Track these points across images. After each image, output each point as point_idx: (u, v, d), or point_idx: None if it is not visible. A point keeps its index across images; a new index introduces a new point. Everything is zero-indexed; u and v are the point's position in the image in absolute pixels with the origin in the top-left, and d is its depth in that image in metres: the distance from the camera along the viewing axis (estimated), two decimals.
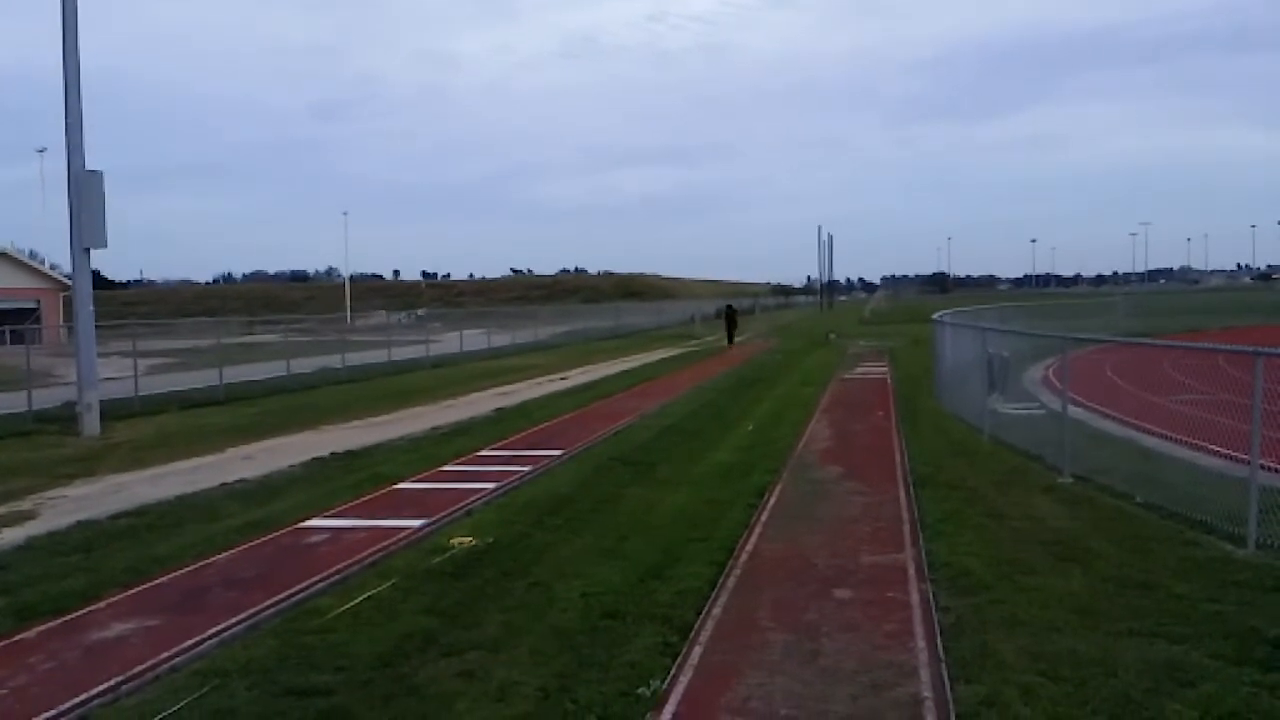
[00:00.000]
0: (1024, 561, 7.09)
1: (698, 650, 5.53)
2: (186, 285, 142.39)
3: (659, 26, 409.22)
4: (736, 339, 39.05)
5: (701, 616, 6.08)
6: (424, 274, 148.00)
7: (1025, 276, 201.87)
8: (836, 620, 5.99)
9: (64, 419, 16.36)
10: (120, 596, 6.82)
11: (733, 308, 42.57)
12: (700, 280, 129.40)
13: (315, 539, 8.38)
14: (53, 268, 58.45)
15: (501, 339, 37.77)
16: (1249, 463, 7.32)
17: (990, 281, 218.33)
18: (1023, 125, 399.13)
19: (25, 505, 10.24)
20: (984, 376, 13.55)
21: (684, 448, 12.77)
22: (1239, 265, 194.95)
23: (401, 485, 10.65)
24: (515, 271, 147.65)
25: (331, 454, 12.93)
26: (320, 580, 7.06)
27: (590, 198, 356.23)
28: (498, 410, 17.69)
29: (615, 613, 6.14)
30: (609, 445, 13.21)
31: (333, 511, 9.39)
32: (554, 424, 15.57)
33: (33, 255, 61.70)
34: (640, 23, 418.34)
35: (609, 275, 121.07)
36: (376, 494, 10.22)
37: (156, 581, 7.17)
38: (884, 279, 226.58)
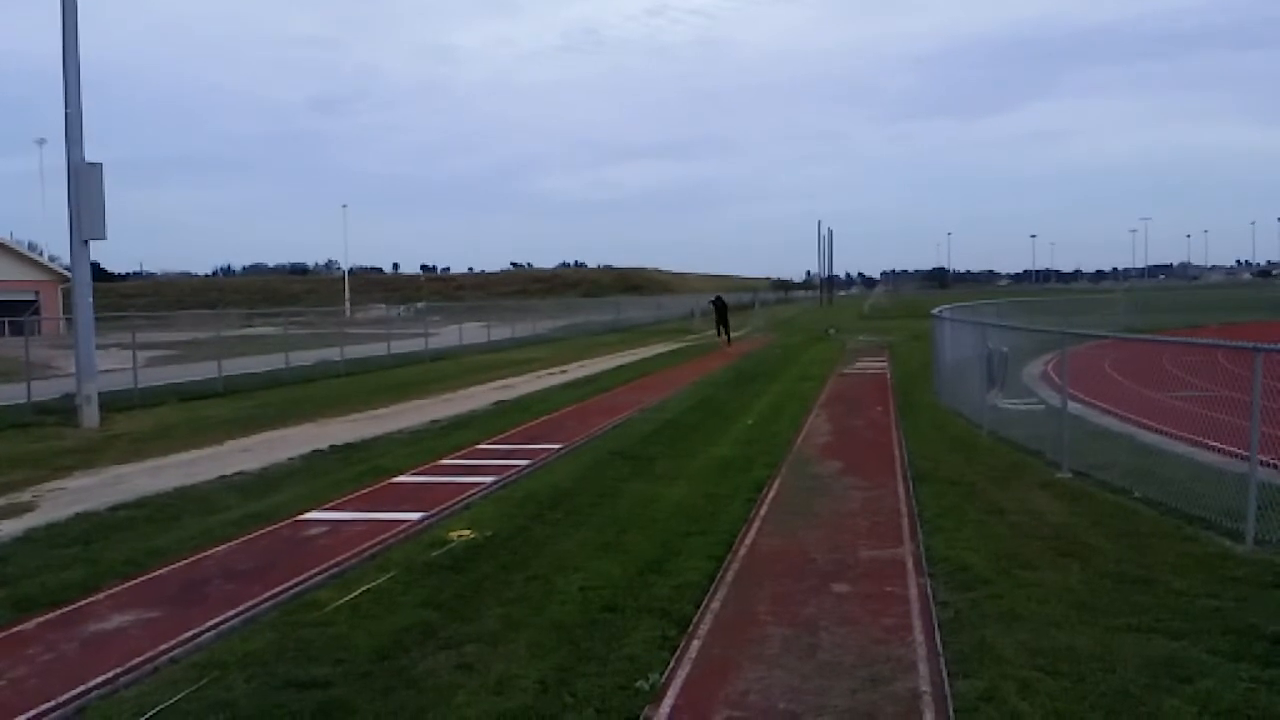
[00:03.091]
0: (1023, 556, 7.09)
1: (696, 644, 5.53)
2: (186, 277, 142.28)
3: (659, 20, 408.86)
4: (733, 335, 37.15)
5: (700, 610, 6.08)
6: (423, 267, 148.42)
7: (1025, 272, 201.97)
8: (835, 615, 5.99)
9: (63, 411, 16.35)
10: (119, 588, 6.82)
11: (722, 300, 39.67)
12: (700, 275, 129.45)
13: (314, 532, 8.38)
14: (52, 259, 58.52)
15: (501, 333, 37.73)
16: (1248, 459, 7.33)
17: (990, 277, 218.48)
18: (1023, 121, 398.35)
19: (24, 497, 10.24)
20: (983, 372, 13.54)
21: (683, 442, 12.77)
22: (1239, 261, 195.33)
23: (400, 478, 10.65)
24: (515, 265, 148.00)
25: (330, 447, 12.93)
26: (319, 573, 7.06)
27: (590, 191, 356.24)
28: (497, 404, 17.69)
29: (614, 606, 6.14)
30: (608, 439, 13.21)
31: (331, 504, 9.39)
32: (553, 418, 15.57)
33: (32, 247, 61.97)
34: (640, 16, 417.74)
35: (609, 269, 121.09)
36: (375, 487, 10.22)
37: (155, 573, 7.17)
38: (884, 274, 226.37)
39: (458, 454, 12.19)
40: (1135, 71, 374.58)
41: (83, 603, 6.51)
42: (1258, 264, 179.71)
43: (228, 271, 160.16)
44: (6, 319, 26.07)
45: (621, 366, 26.13)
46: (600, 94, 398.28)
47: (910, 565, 7.02)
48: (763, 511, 8.74)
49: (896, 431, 13.38)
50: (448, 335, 35.14)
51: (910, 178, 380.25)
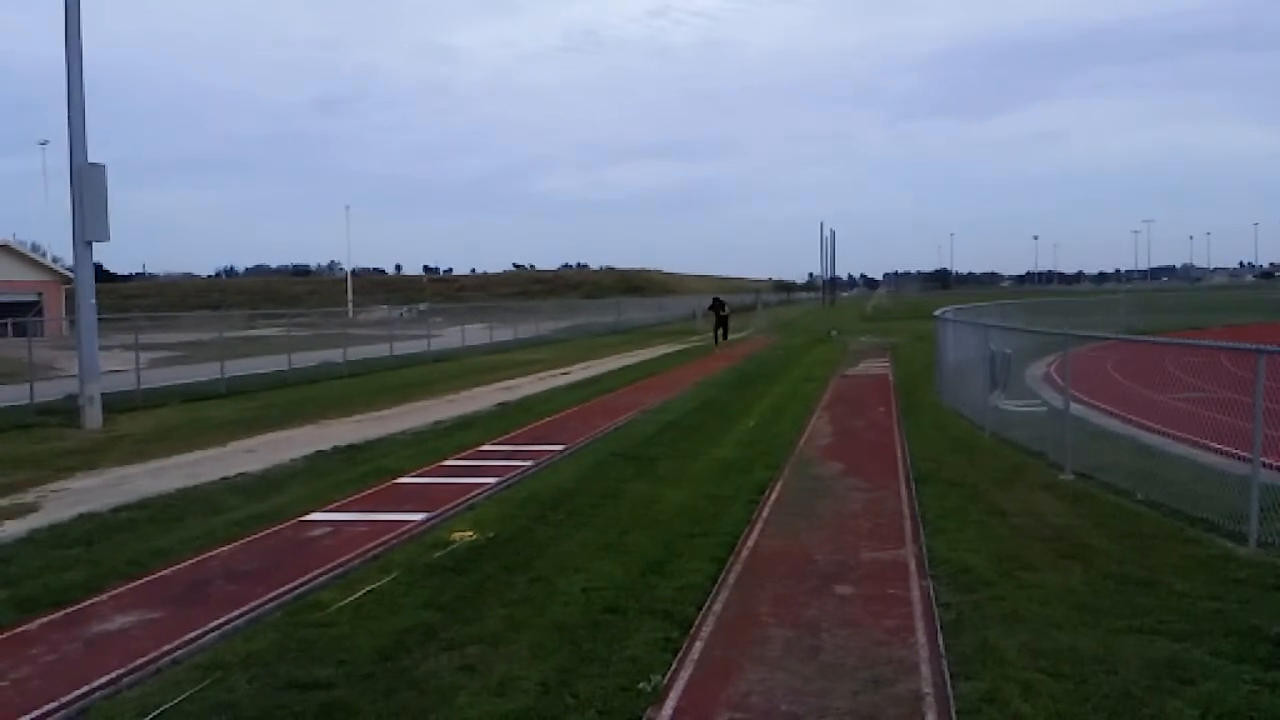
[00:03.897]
0: (1025, 558, 7.09)
1: (698, 645, 5.53)
2: (188, 278, 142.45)
3: (661, 21, 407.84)
4: (731, 337, 36.37)
5: (702, 612, 6.08)
6: (426, 268, 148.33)
7: (1028, 273, 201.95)
8: (837, 616, 5.99)
9: (66, 412, 16.38)
10: (122, 589, 6.83)
11: (721, 302, 38.14)
12: (702, 276, 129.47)
13: (317, 532, 8.39)
14: (55, 260, 58.61)
15: (503, 334, 37.73)
16: (1251, 460, 7.32)
17: (992, 278, 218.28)
18: (1026, 122, 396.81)
19: (27, 498, 10.26)
20: (986, 373, 13.53)
21: (685, 443, 12.77)
22: (1242, 263, 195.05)
23: (403, 479, 10.66)
24: (517, 266, 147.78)
25: (333, 448, 12.94)
26: (321, 574, 7.07)
27: (592, 192, 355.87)
28: (500, 405, 17.70)
29: (616, 607, 6.14)
30: (611, 440, 13.21)
31: (334, 505, 9.40)
32: (556, 419, 15.58)
33: (35, 248, 62.06)
34: (641, 18, 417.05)
35: (611, 270, 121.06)
36: (378, 488, 10.23)
37: (158, 574, 7.18)
38: (886, 275, 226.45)
39: (461, 455, 12.20)
40: (1136, 72, 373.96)
41: (86, 603, 6.51)
42: (1261, 266, 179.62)
43: (230, 272, 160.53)
44: (10, 320, 26.12)
45: (624, 368, 26.14)
46: (601, 94, 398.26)
47: (912, 567, 7.02)
48: (765, 513, 8.74)
49: (898, 433, 13.38)
50: (450, 336, 35.18)
51: (912, 178, 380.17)
